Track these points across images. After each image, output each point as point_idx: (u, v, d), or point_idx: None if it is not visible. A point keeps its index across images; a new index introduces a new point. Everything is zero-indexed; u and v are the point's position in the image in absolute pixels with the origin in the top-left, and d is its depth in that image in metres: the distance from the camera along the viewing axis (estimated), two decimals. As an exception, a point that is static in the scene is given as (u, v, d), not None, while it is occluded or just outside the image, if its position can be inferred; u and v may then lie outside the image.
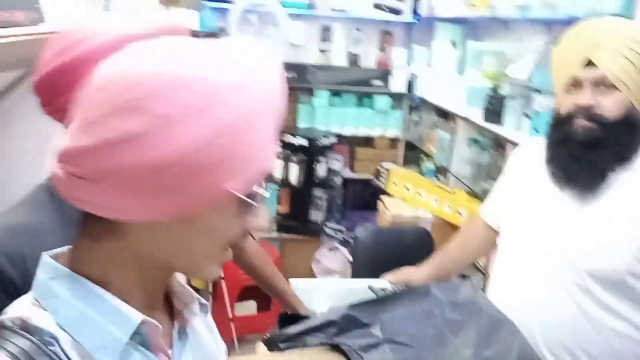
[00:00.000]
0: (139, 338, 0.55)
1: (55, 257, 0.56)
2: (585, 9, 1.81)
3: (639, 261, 1.20)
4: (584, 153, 1.24)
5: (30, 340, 0.49)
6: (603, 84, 1.20)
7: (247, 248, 1.34)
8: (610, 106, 1.20)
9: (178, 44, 0.50)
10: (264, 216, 0.55)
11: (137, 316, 0.54)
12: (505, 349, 1.05)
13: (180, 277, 0.67)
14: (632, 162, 1.24)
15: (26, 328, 0.50)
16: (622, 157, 1.24)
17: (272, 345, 1.17)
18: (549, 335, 1.29)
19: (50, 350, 0.49)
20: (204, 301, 0.68)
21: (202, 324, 0.68)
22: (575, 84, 1.24)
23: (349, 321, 1.16)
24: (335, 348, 1.14)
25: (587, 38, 1.22)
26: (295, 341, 1.14)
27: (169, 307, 0.64)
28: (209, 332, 0.70)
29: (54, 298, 0.53)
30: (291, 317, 1.23)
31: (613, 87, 1.19)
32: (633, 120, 1.22)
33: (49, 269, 0.55)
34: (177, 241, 0.54)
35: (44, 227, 0.83)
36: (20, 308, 0.53)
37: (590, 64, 1.20)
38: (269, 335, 1.19)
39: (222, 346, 0.74)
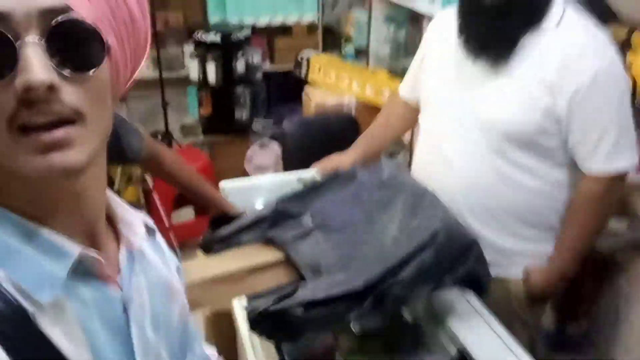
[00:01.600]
0: (82, 268, 0.52)
1: None
2: None
3: (548, 119, 1.26)
4: (494, 21, 1.24)
5: None
6: None
7: (162, 158, 1.30)
8: None
9: None
10: (29, 70, 0.39)
11: (72, 248, 0.51)
12: (430, 217, 1.11)
13: (119, 200, 0.63)
14: (539, 24, 1.25)
15: None
16: (530, 21, 1.25)
17: (207, 248, 1.18)
18: (471, 199, 1.37)
19: None
20: (151, 224, 0.65)
21: (149, 246, 0.65)
22: None
23: (279, 214, 1.18)
24: (269, 242, 1.17)
25: None
26: (229, 241, 1.16)
27: (114, 231, 0.61)
28: (158, 252, 0.68)
29: None
30: (223, 218, 1.24)
31: None
32: None
33: None
34: None
35: None
36: None
37: None
38: (202, 239, 1.20)
39: (174, 263, 0.71)
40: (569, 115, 1.25)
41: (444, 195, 1.22)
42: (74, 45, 0.46)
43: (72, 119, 0.46)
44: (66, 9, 0.45)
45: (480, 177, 1.35)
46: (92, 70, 0.47)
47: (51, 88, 0.44)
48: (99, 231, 0.57)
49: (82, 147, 0.47)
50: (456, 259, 1.11)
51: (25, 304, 0.47)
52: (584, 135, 1.26)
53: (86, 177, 0.50)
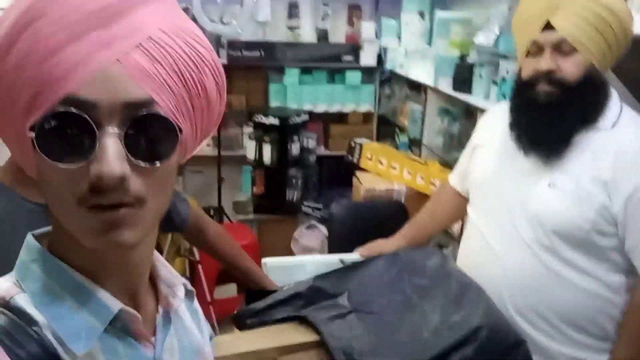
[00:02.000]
0: (120, 324, 0.54)
1: (39, 237, 0.55)
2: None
3: (603, 218, 1.21)
4: (547, 117, 1.24)
5: (10, 319, 0.48)
6: (563, 47, 1.20)
7: (206, 228, 1.32)
8: (570, 69, 1.20)
9: None
10: (104, 163, 0.43)
11: (114, 305, 0.53)
12: (472, 312, 1.06)
13: (164, 261, 0.65)
14: (595, 122, 1.24)
15: (7, 307, 0.49)
16: (585, 119, 1.24)
17: (240, 321, 1.16)
18: (517, 298, 1.30)
19: (33, 330, 0.48)
20: (190, 287, 0.66)
21: (186, 310, 0.67)
22: (536, 48, 1.24)
23: (315, 292, 1.16)
24: (303, 321, 1.14)
25: (545, 1, 1.21)
26: (262, 316, 1.14)
27: (155, 291, 0.63)
28: (195, 318, 0.69)
29: (33, 281, 0.52)
30: (259, 292, 1.22)
31: (573, 49, 1.19)
32: (594, 81, 1.22)
33: (30, 249, 0.54)
34: (47, 199, 0.50)
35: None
36: (2, 287, 0.51)
37: (549, 27, 1.20)
38: (236, 312, 1.18)
39: (207, 331, 0.73)
40: (625, 217, 1.20)
41: (490, 289, 1.17)
42: (151, 138, 0.48)
43: (132, 204, 0.48)
44: (149, 102, 0.47)
45: (529, 273, 1.29)
46: (163, 161, 0.49)
47: (122, 179, 0.46)
48: (141, 290, 0.59)
49: (137, 227, 0.49)
50: (500, 358, 1.04)
51: (61, 351, 0.49)
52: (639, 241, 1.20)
53: (137, 247, 0.53)
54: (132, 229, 0.48)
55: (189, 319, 0.67)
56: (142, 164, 0.47)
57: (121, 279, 0.55)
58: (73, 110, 0.44)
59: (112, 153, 0.45)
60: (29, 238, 0.55)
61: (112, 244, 0.48)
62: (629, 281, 1.27)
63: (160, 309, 0.61)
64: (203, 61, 0.51)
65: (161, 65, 0.47)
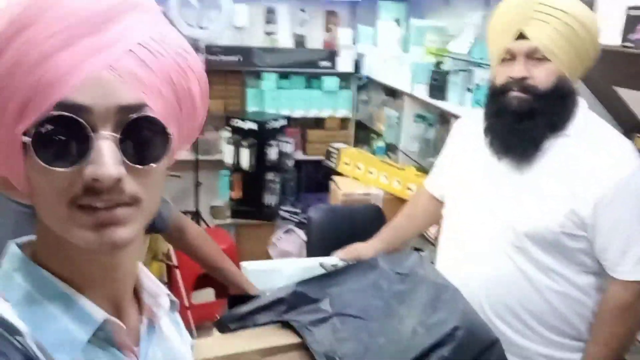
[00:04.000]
0: (104, 334, 0.54)
1: (22, 246, 0.55)
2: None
3: (572, 221, 1.26)
4: (519, 123, 1.28)
5: None
6: (535, 55, 1.23)
7: (187, 231, 1.33)
8: (542, 77, 1.24)
9: None
10: (100, 164, 0.44)
11: (99, 315, 0.53)
12: (449, 314, 1.09)
13: (148, 272, 0.65)
14: (564, 130, 1.29)
15: None
16: (554, 126, 1.28)
17: (223, 326, 1.17)
18: (493, 298, 1.34)
19: (16, 340, 0.48)
20: (173, 298, 0.66)
21: (169, 321, 0.67)
22: (509, 56, 1.27)
23: (298, 298, 1.18)
24: (286, 325, 1.16)
25: (518, 11, 1.25)
26: (245, 321, 1.15)
27: (138, 301, 0.63)
28: (176, 328, 0.69)
29: (15, 290, 0.51)
30: (241, 297, 1.24)
31: (545, 58, 1.23)
32: (564, 89, 1.26)
33: (12, 258, 0.53)
34: (35, 204, 0.51)
35: None
36: None
37: (522, 36, 1.23)
38: (218, 317, 1.19)
39: (189, 341, 0.73)
40: (594, 221, 1.24)
41: (466, 291, 1.20)
42: (144, 140, 0.49)
43: (129, 203, 0.49)
44: (142, 107, 0.48)
45: (503, 275, 1.34)
46: (156, 163, 0.50)
47: (118, 181, 0.47)
48: (125, 300, 0.59)
49: (132, 226, 0.50)
50: (476, 357, 1.07)
51: None
52: (610, 242, 1.25)
53: (124, 251, 0.53)
54: (126, 226, 0.49)
55: (171, 329, 0.67)
56: (136, 165, 0.48)
57: (106, 289, 0.55)
58: (68, 114, 0.45)
59: (108, 155, 0.46)
60: (12, 247, 0.54)
61: (105, 241, 0.48)
62: (599, 282, 1.32)
63: (144, 320, 0.61)
64: (190, 67, 0.53)
65: (151, 70, 0.49)
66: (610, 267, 1.27)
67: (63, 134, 0.46)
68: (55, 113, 0.45)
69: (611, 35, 1.36)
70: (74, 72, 0.45)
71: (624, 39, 1.33)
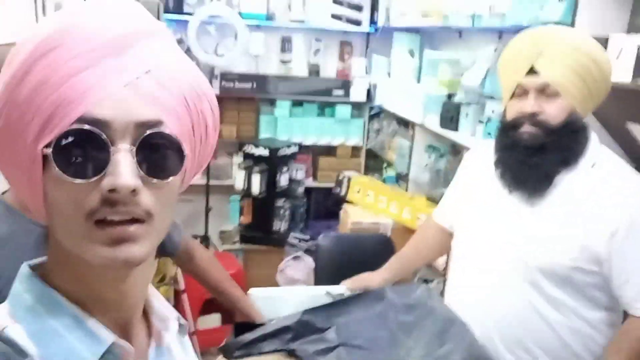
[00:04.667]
0: (112, 357, 0.54)
1: (35, 267, 0.56)
2: (530, 18, 1.88)
3: (584, 256, 1.24)
4: (530, 158, 1.28)
5: (2, 351, 0.48)
6: (546, 91, 1.24)
7: (196, 254, 1.34)
8: (553, 112, 1.25)
9: None
10: (117, 175, 0.46)
11: (108, 337, 0.53)
12: (455, 347, 1.08)
13: (158, 294, 0.66)
14: (576, 164, 1.29)
15: (0, 337, 0.50)
16: (566, 161, 1.28)
17: (228, 353, 1.17)
18: (505, 332, 1.33)
19: None
20: (183, 321, 0.67)
21: (177, 344, 0.66)
22: (521, 91, 1.28)
23: (304, 326, 1.17)
24: (291, 354, 1.15)
25: (530, 47, 1.26)
26: (250, 348, 1.15)
27: (147, 324, 0.63)
28: (184, 353, 0.69)
29: (26, 311, 0.52)
30: (247, 324, 1.23)
31: (556, 93, 1.24)
32: (575, 125, 1.27)
33: (23, 279, 0.54)
34: (51, 222, 0.52)
35: (6, 236, 0.83)
36: None
37: (533, 71, 1.24)
38: (224, 343, 1.19)
39: None
40: (608, 257, 1.23)
41: (476, 324, 1.20)
42: (159, 155, 0.51)
43: (143, 218, 0.50)
44: (158, 123, 0.50)
45: (514, 309, 1.32)
46: (171, 178, 0.52)
47: (134, 192, 0.48)
48: (134, 323, 0.59)
49: (145, 243, 0.51)
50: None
51: None
52: (628, 278, 1.23)
53: (136, 271, 0.54)
54: (140, 244, 0.50)
55: (180, 353, 0.67)
56: (151, 179, 0.50)
57: (116, 311, 0.56)
58: (88, 127, 0.47)
59: (125, 167, 0.48)
60: (24, 267, 0.55)
61: (119, 258, 0.49)
62: (610, 318, 1.30)
63: (153, 343, 0.61)
64: (204, 92, 0.55)
65: (168, 90, 0.51)
66: (628, 303, 1.25)
67: (83, 147, 0.48)
68: (76, 126, 0.47)
69: (623, 73, 1.37)
70: (95, 89, 0.47)
71: (636, 75, 1.34)
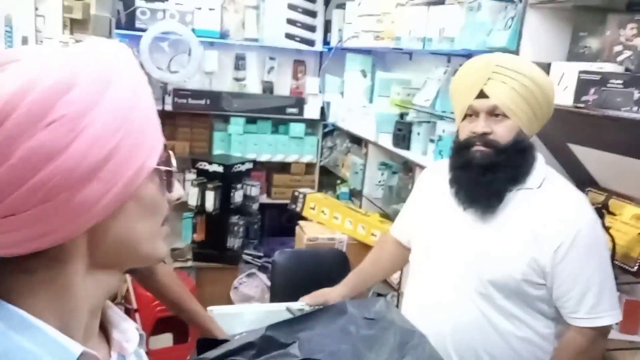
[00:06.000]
0: None
1: None
2: (478, 43, 1.98)
3: (532, 270, 1.32)
4: (483, 176, 1.35)
5: None
6: (495, 112, 1.33)
7: (158, 270, 1.33)
8: (502, 132, 1.33)
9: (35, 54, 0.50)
10: (179, 188, 0.64)
11: (76, 348, 0.53)
12: (417, 358, 1.11)
13: (113, 305, 0.66)
14: (524, 182, 1.37)
15: None
16: (515, 178, 1.36)
17: (191, 371, 1.16)
18: (458, 340, 1.39)
19: None
20: (141, 331, 0.67)
21: (134, 355, 0.66)
22: (472, 113, 1.36)
23: (267, 342, 1.18)
24: (255, 370, 1.16)
25: (479, 71, 1.34)
26: (214, 365, 1.14)
27: (105, 336, 0.63)
28: None
29: None
30: (210, 341, 1.23)
31: (504, 115, 1.32)
32: (523, 144, 1.35)
33: None
34: (128, 230, 0.55)
35: None
36: None
37: (483, 94, 1.32)
38: (187, 362, 1.18)
39: None
40: (552, 270, 1.31)
41: (433, 336, 1.24)
42: None
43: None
44: None
45: (468, 320, 1.38)
46: None
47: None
48: (93, 332, 0.59)
49: None
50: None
51: None
52: (568, 290, 1.31)
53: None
54: None
55: None
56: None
57: (81, 324, 0.56)
58: (170, 151, 0.60)
59: (178, 184, 0.62)
60: None
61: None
62: (557, 328, 1.38)
63: (114, 354, 0.61)
64: None
65: None
66: (568, 314, 1.34)
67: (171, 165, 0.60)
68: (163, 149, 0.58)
69: (564, 96, 1.47)
70: None
71: (577, 100, 1.44)
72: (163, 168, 0.57)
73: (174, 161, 0.60)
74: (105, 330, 0.63)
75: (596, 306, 1.31)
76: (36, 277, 0.53)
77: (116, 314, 0.65)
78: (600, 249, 1.34)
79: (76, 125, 0.47)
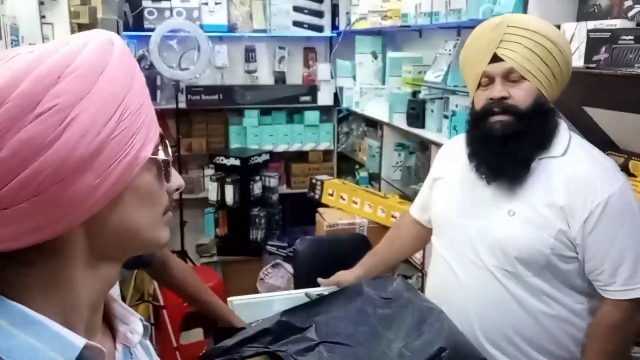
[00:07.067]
0: None
1: None
2: (485, 11, 1.93)
3: (562, 243, 1.24)
4: (505, 146, 1.27)
5: None
6: (512, 76, 1.24)
7: (172, 264, 1.33)
8: (521, 96, 1.24)
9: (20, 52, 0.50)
10: (178, 177, 0.62)
11: (79, 341, 0.52)
12: (434, 336, 1.10)
13: (119, 299, 0.66)
14: (549, 148, 1.28)
15: None
16: (541, 145, 1.28)
17: (209, 360, 1.16)
18: (485, 323, 1.32)
19: None
20: (146, 322, 0.67)
21: (140, 346, 0.66)
22: (487, 80, 1.28)
23: (283, 327, 1.17)
24: (272, 355, 1.15)
25: (490, 35, 1.26)
26: (231, 353, 1.14)
27: (110, 329, 0.63)
28: (147, 353, 0.69)
29: None
30: (227, 330, 1.23)
31: (521, 78, 1.24)
32: (544, 108, 1.27)
33: None
34: (127, 220, 0.55)
35: None
36: None
37: (496, 59, 1.25)
38: (204, 352, 1.18)
39: None
40: (583, 241, 1.23)
41: (458, 316, 1.19)
42: None
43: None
44: None
45: (494, 300, 1.32)
46: None
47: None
48: (97, 326, 0.59)
49: None
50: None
51: None
52: (601, 261, 1.23)
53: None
54: None
55: (144, 355, 0.67)
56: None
57: (84, 316, 0.56)
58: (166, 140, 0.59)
59: (175, 172, 0.61)
60: None
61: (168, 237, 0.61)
62: (590, 303, 1.30)
63: (119, 346, 0.61)
64: None
65: None
66: (602, 287, 1.25)
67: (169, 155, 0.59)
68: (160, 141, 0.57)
69: (576, 57, 1.41)
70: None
71: (588, 60, 1.38)
72: (159, 158, 0.56)
73: (169, 150, 0.59)
74: (110, 324, 0.63)
75: (632, 277, 1.22)
76: (35, 271, 0.53)
77: (121, 306, 0.65)
78: (632, 214, 1.24)
79: (66, 116, 0.47)
